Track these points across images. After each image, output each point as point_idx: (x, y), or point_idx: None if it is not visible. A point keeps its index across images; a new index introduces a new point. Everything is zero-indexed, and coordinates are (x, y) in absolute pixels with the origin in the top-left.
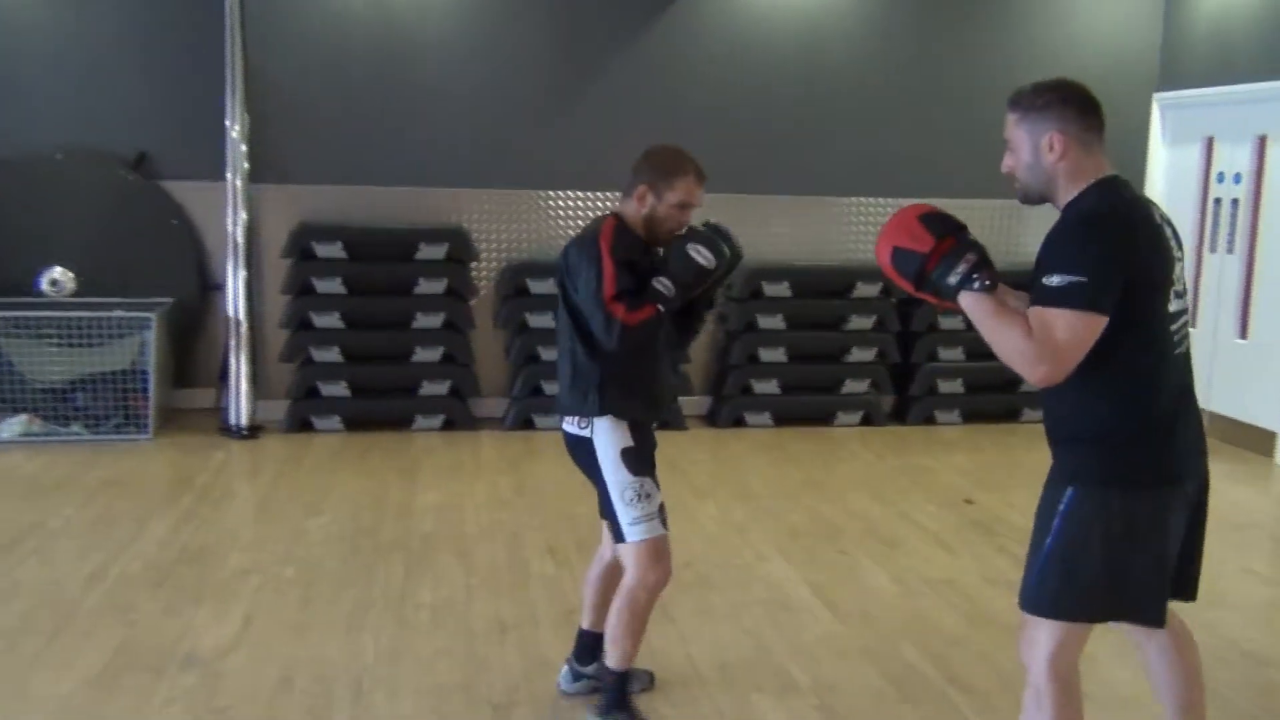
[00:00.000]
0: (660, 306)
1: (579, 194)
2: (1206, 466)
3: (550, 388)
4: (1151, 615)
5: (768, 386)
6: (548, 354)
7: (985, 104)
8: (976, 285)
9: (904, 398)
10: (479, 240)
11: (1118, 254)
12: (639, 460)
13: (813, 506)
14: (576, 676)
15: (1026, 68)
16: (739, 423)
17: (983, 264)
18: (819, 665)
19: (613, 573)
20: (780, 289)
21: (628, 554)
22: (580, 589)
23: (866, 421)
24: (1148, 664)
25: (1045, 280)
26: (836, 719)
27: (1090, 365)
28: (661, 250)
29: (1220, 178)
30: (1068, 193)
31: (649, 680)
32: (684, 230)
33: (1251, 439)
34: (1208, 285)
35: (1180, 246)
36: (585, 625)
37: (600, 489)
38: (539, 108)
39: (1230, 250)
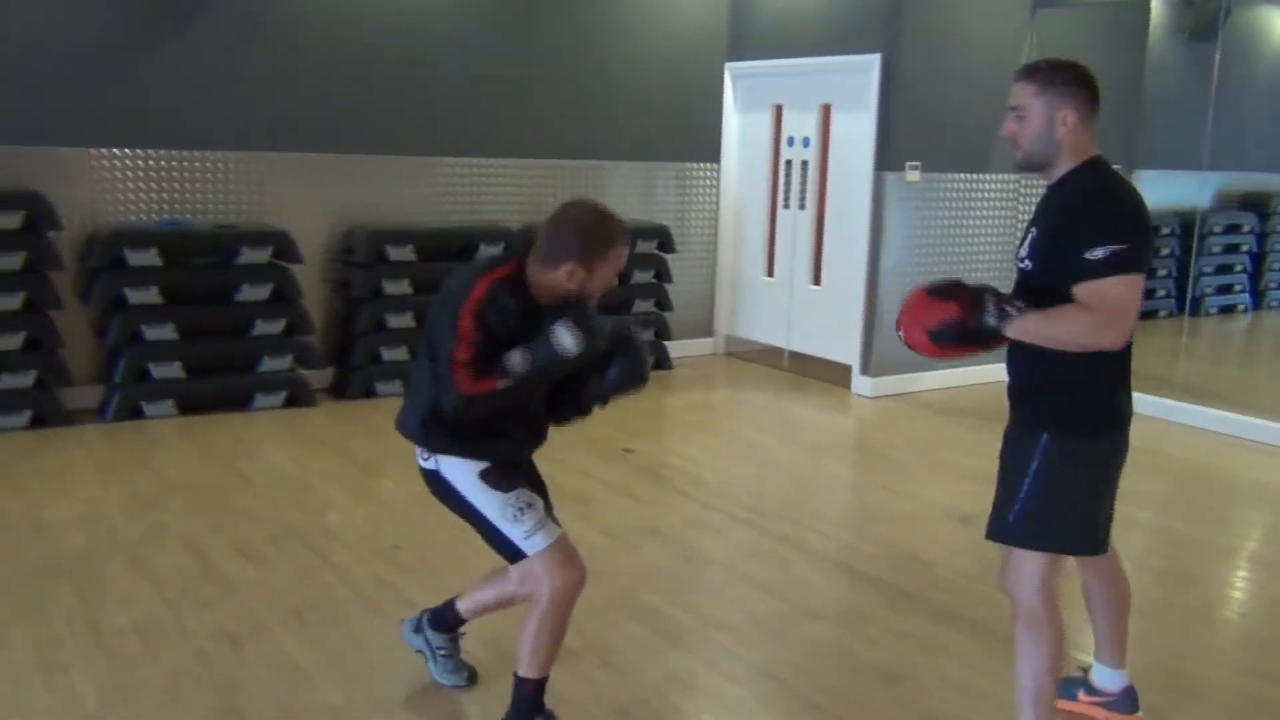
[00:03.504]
0: (499, 383)
1: (158, 152)
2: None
3: (161, 370)
4: (1104, 545)
5: (398, 353)
6: (153, 333)
7: (579, 69)
8: (1014, 314)
9: None
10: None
11: (1138, 219)
12: (502, 476)
13: None
14: (416, 628)
15: (611, 35)
16: (370, 393)
17: (1002, 297)
18: (582, 625)
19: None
20: (404, 252)
21: (536, 567)
22: (289, 587)
23: None
24: (1088, 588)
25: (1088, 255)
26: (618, 674)
27: None
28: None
29: (790, 142)
30: (1065, 166)
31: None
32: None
33: (832, 373)
34: (783, 239)
35: None
36: (458, 604)
37: (473, 519)
38: (115, 53)
39: (803, 207)
